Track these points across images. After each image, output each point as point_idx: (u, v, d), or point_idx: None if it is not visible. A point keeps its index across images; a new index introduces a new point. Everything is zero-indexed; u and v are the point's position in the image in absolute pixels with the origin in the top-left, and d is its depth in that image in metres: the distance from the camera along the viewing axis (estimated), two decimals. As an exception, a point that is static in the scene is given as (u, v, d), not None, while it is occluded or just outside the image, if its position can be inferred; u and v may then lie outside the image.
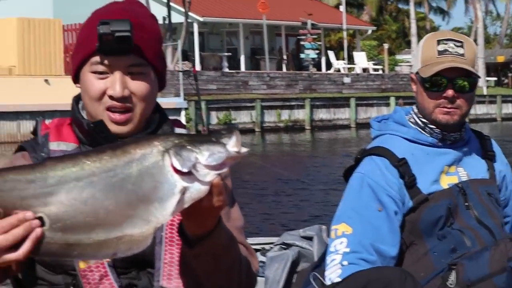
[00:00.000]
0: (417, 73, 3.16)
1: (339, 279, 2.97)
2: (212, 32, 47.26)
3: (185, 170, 1.75)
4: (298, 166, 22.23)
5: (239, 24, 45.14)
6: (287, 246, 3.47)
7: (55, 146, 2.22)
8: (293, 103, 40.93)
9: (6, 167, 1.88)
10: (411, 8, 52.65)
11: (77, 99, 2.33)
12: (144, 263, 2.21)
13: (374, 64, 47.62)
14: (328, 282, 3.02)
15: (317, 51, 46.13)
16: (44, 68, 32.46)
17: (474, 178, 3.19)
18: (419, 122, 3.18)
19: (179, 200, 1.77)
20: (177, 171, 1.77)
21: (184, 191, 1.77)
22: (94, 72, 2.18)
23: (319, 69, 46.90)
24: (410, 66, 48.43)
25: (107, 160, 1.77)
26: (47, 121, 2.35)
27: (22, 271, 2.11)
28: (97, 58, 2.18)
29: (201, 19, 42.82)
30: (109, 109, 2.19)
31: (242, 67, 44.62)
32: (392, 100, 41.77)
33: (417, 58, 3.23)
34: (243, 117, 38.74)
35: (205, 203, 1.84)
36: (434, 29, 57.47)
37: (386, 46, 50.63)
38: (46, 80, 30.36)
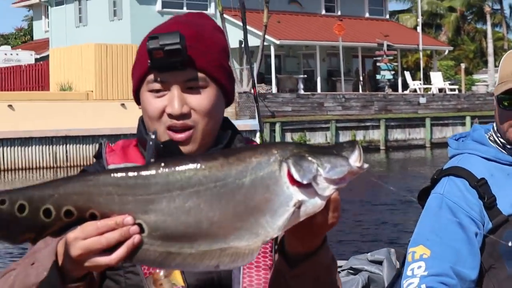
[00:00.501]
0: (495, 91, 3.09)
1: None
2: (289, 54, 47.27)
3: (305, 182, 1.61)
4: (371, 186, 22.03)
5: (316, 46, 44.95)
6: (355, 271, 3.34)
7: None
8: (368, 124, 40.74)
9: (105, 170, 1.83)
10: (488, 28, 52.02)
11: (143, 119, 2.19)
12: None
13: (451, 84, 47.09)
14: None
15: (392, 72, 45.98)
16: (120, 93, 33.21)
17: None
18: (498, 142, 3.07)
19: (292, 214, 1.62)
20: (294, 182, 1.63)
21: (299, 204, 1.62)
22: (151, 91, 2.05)
23: (396, 89, 46.56)
24: (487, 85, 48.02)
25: (218, 169, 1.64)
26: (111, 144, 2.23)
27: None
28: (151, 76, 2.04)
29: (277, 42, 42.83)
30: (169, 128, 2.05)
31: (318, 89, 44.42)
32: (467, 120, 41.26)
33: (498, 76, 3.09)
34: (318, 138, 38.49)
35: (319, 219, 1.70)
36: None
37: (463, 65, 50.08)
38: (122, 104, 30.85)
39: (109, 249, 1.63)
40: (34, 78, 40.11)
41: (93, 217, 1.65)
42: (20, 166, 29.30)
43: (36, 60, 45.84)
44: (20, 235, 1.66)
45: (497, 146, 3.05)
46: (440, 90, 45.98)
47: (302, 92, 42.35)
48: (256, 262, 2.07)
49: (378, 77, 45.70)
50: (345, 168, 1.62)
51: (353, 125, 40.29)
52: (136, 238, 1.62)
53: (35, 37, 57.17)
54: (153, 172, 1.65)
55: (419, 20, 49.98)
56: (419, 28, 49.14)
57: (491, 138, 3.08)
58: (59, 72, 37.20)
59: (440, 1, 56.87)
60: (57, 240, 1.74)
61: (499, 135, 3.05)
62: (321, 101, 40.68)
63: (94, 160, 2.21)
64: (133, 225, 1.62)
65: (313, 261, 1.83)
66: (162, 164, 1.67)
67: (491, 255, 2.93)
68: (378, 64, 45.75)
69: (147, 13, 43.35)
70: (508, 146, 3.01)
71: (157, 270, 2.01)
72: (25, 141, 28.97)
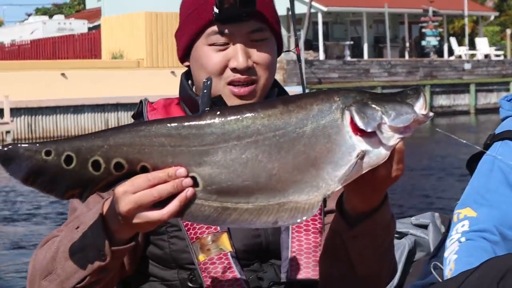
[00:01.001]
0: None
1: (455, 256, 2.70)
2: (336, 21, 46.85)
3: (369, 130, 1.51)
4: (416, 152, 21.76)
5: (363, 13, 44.55)
6: (400, 234, 3.19)
7: None
8: (413, 90, 39.93)
9: (157, 119, 1.67)
10: None
11: (186, 76, 2.08)
12: (269, 254, 1.98)
13: (496, 50, 46.30)
14: (445, 263, 2.75)
15: (438, 38, 45.21)
16: (171, 60, 32.98)
17: None
18: None
19: (355, 165, 1.52)
20: (357, 131, 1.52)
21: (362, 155, 1.51)
22: (212, 45, 1.92)
23: (441, 55, 45.95)
24: (533, 51, 47.23)
25: (277, 117, 1.53)
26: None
27: (135, 270, 1.96)
28: (214, 28, 1.91)
29: (324, 9, 42.44)
30: (231, 83, 1.93)
31: (365, 56, 44.02)
32: None
33: None
34: (363, 105, 37.63)
35: (382, 171, 1.58)
36: None
37: (508, 31, 49.33)
38: (172, 72, 30.70)
39: (160, 204, 1.54)
40: (87, 46, 40.10)
41: (143, 171, 1.55)
42: (72, 133, 28.97)
43: (89, 29, 46.21)
44: (67, 189, 1.55)
45: None
46: (486, 56, 45.22)
47: (348, 58, 41.91)
48: (305, 225, 1.98)
49: (423, 43, 45.07)
50: (411, 116, 1.52)
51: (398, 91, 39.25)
52: (189, 191, 1.52)
53: (88, 6, 57.48)
54: (208, 121, 1.54)
55: None
56: None
57: None
58: (111, 40, 37.22)
59: None
60: (102, 202, 1.68)
61: None
62: (367, 67, 40.35)
63: (132, 120, 2.05)
64: (186, 177, 1.53)
65: (373, 220, 1.73)
66: (218, 113, 1.56)
67: None
68: (423, 30, 45.10)
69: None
70: None
71: (205, 235, 1.93)
72: (78, 109, 29.12)
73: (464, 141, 2.15)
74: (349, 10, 45.17)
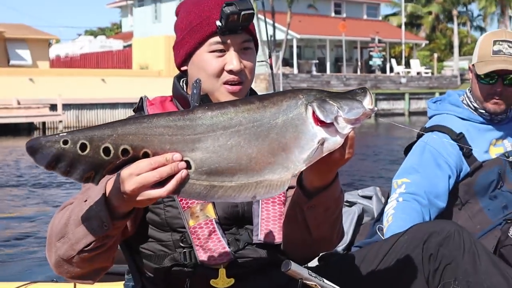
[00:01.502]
0: (473, 65, 2.81)
1: (393, 211, 2.66)
2: (307, 45, 46.75)
3: (328, 121, 1.46)
4: (361, 142, 21.31)
5: (326, 40, 44.44)
6: (351, 203, 3.14)
7: None
8: (362, 97, 39.67)
9: (157, 113, 1.55)
10: (455, 27, 51.46)
11: (177, 78, 1.97)
12: (243, 220, 1.91)
13: (426, 69, 46.24)
14: (385, 216, 2.71)
15: (382, 59, 45.26)
16: (182, 71, 32.43)
17: None
18: (471, 105, 2.84)
19: (317, 149, 1.47)
20: (318, 123, 1.47)
21: (322, 141, 1.47)
22: (213, 52, 1.83)
23: (384, 72, 45.97)
24: (452, 70, 47.25)
25: (255, 111, 1.47)
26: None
27: (135, 232, 1.87)
28: (216, 39, 1.82)
29: (298, 36, 42.30)
30: (226, 83, 1.84)
31: (328, 71, 44.03)
32: (437, 95, 38.70)
33: (475, 52, 2.83)
34: (325, 107, 37.40)
35: (336, 154, 1.54)
36: (475, 41, 55.38)
37: (435, 55, 49.63)
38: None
39: (159, 184, 1.45)
40: (122, 59, 39.85)
41: (144, 156, 1.46)
42: None
43: (124, 46, 45.68)
44: (83, 172, 1.45)
45: (469, 108, 2.84)
46: (418, 73, 45.22)
47: (315, 73, 41.82)
48: (272, 198, 1.91)
49: (371, 63, 45.06)
50: (360, 110, 1.48)
51: (352, 98, 39.17)
52: (183, 172, 1.45)
53: (123, 30, 57.04)
54: (199, 114, 1.48)
55: (403, 20, 49.72)
56: (403, 27, 48.66)
57: (464, 101, 2.87)
58: (139, 55, 37.03)
59: (421, 6, 55.98)
60: (106, 180, 1.57)
61: (473, 100, 2.84)
62: (329, 80, 40.20)
63: (133, 113, 1.95)
64: (181, 161, 1.45)
65: (326, 193, 1.69)
66: (207, 108, 1.49)
67: (467, 192, 2.78)
68: (371, 53, 45.09)
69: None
70: (482, 110, 2.80)
71: (194, 205, 1.86)
72: (113, 106, 28.82)
73: (403, 126, 2.07)
74: (317, 37, 44.89)
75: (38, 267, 5.50)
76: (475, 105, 2.83)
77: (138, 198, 1.47)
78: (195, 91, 1.56)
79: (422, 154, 2.80)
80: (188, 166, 1.46)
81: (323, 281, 1.71)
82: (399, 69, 45.69)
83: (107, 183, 1.58)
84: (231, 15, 1.76)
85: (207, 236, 1.82)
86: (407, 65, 47.04)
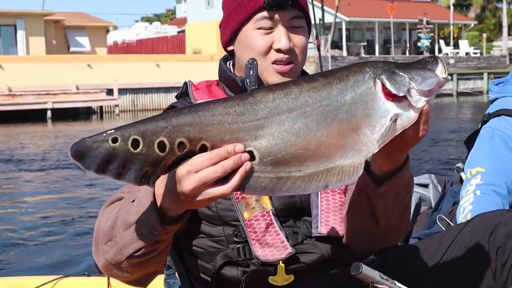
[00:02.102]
0: None
1: (470, 207, 2.40)
2: (356, 28, 45.79)
3: (401, 94, 1.28)
4: None
5: (375, 22, 43.40)
6: None
7: None
8: (411, 78, 39.10)
9: (212, 100, 1.35)
10: (504, 6, 49.08)
11: (223, 61, 1.80)
12: (301, 212, 1.70)
13: (474, 49, 44.58)
14: (460, 210, 2.44)
15: (430, 40, 44.09)
16: (233, 55, 32.45)
17: None
18: None
19: (390, 127, 1.28)
20: (389, 97, 1.29)
21: (395, 118, 1.28)
22: (259, 28, 1.66)
23: (433, 53, 44.11)
24: (501, 50, 45.94)
25: (320, 88, 1.29)
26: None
27: (184, 228, 1.66)
28: (264, 14, 1.65)
29: (347, 19, 41.56)
30: (275, 62, 1.66)
31: (377, 53, 42.98)
32: (485, 76, 38.80)
33: None
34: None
35: (410, 132, 1.34)
36: None
37: (484, 35, 47.92)
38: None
39: (221, 180, 1.25)
40: (176, 45, 40.07)
41: (202, 150, 1.26)
42: (163, 107, 28.77)
43: (178, 32, 46.08)
44: (137, 173, 1.23)
45: None
46: (466, 53, 43.71)
47: (363, 55, 40.66)
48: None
49: (419, 44, 43.76)
50: (434, 79, 1.29)
51: (400, 79, 38.62)
52: (247, 165, 1.24)
53: (178, 16, 57.32)
54: (260, 97, 1.27)
55: (451, 1, 47.97)
56: (451, 8, 47.25)
57: None
58: (193, 41, 37.15)
59: None
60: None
61: None
62: (377, 62, 39.28)
63: (175, 100, 1.78)
64: (244, 152, 1.25)
65: (398, 178, 1.48)
66: (267, 89, 1.30)
67: None
68: (419, 35, 43.90)
69: None
70: None
71: (249, 195, 1.65)
72: (167, 90, 28.87)
73: (476, 92, 1.71)
74: (365, 20, 43.91)
75: (71, 259, 5.26)
76: None
77: (199, 198, 1.26)
78: (251, 73, 1.40)
79: (491, 141, 2.53)
80: (252, 157, 1.26)
81: (395, 284, 1.50)
82: (448, 49, 44.46)
83: (156, 185, 1.34)
84: None
85: (264, 229, 1.61)
86: (456, 45, 45.82)
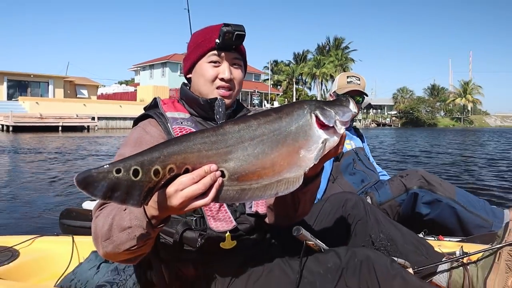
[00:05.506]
0: (334, 92, 2.62)
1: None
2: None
3: (331, 124, 1.13)
4: None
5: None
6: None
7: (171, 115, 1.45)
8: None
9: (192, 132, 1.10)
10: (294, 87, 52.50)
11: (184, 85, 1.55)
12: None
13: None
14: None
15: (259, 100, 48.55)
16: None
17: (358, 146, 2.60)
18: None
19: (322, 149, 1.13)
20: (321, 126, 1.13)
21: (325, 142, 1.15)
22: (210, 62, 1.47)
23: (260, 106, 46.85)
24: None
25: (273, 121, 1.12)
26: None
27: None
28: (214, 52, 1.47)
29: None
30: (219, 87, 1.48)
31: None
32: None
33: (334, 84, 2.65)
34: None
35: (332, 150, 1.17)
36: (306, 94, 57.81)
37: (286, 100, 51.19)
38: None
39: (202, 194, 1.05)
40: (132, 96, 41.81)
41: (185, 171, 1.06)
42: (124, 128, 29.56)
43: (134, 90, 47.03)
44: (139, 197, 1.03)
45: None
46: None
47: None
48: None
49: (254, 102, 47.19)
50: (350, 113, 1.18)
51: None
52: (220, 180, 1.07)
53: (135, 81, 57.84)
54: (227, 129, 1.10)
55: (270, 83, 48.98)
56: (269, 85, 50.93)
57: None
58: (141, 94, 38.94)
59: (280, 76, 56.90)
60: None
61: None
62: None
63: (143, 111, 1.47)
64: (217, 171, 1.07)
65: (316, 181, 1.36)
66: (233, 122, 1.11)
67: (336, 171, 2.49)
68: (253, 97, 47.88)
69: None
70: None
71: None
72: (125, 118, 29.29)
73: None
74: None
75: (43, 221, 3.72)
76: None
77: (186, 209, 1.08)
78: (220, 110, 1.27)
79: None
80: (222, 175, 1.08)
81: (316, 240, 1.45)
82: (268, 105, 47.50)
83: None
84: (227, 34, 1.44)
85: (218, 208, 1.43)
86: (272, 104, 49.94)
